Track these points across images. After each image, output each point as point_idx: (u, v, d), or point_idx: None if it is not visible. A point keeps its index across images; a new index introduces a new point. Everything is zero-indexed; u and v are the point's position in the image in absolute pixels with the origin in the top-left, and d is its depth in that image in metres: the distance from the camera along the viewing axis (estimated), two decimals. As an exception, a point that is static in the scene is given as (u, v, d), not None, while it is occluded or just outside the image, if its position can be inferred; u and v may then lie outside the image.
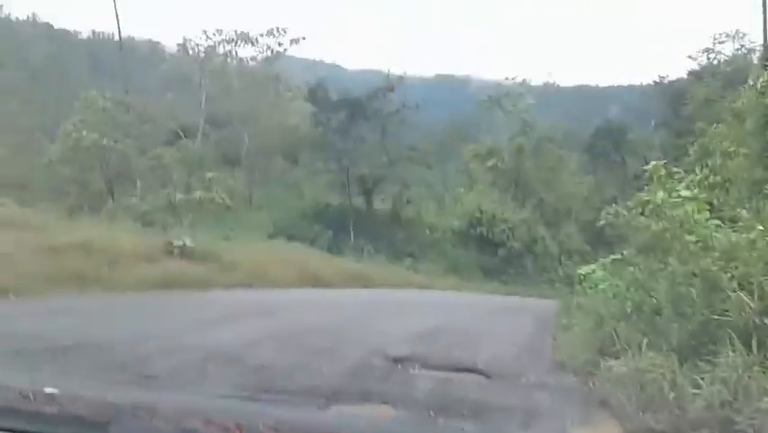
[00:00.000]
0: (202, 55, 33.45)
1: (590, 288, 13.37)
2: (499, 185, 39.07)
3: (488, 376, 7.51)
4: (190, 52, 33.63)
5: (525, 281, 33.95)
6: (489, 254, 34.73)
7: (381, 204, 37.16)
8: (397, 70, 38.50)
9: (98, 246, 14.97)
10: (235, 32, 33.34)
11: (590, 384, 7.17)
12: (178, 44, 34.16)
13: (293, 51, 36.73)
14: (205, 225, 24.43)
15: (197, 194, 24.94)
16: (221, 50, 33.55)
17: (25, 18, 67.56)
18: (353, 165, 32.96)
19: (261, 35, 33.57)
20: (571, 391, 7.01)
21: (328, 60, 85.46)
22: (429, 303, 17.26)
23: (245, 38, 33.45)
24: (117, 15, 42.57)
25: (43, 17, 69.21)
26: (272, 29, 33.72)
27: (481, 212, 35.52)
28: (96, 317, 9.28)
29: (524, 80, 45.25)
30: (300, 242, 28.57)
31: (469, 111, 51.73)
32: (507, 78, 45.08)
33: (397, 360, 7.76)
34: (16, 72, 54.80)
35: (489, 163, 37.80)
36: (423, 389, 6.41)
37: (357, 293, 18.56)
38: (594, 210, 37.81)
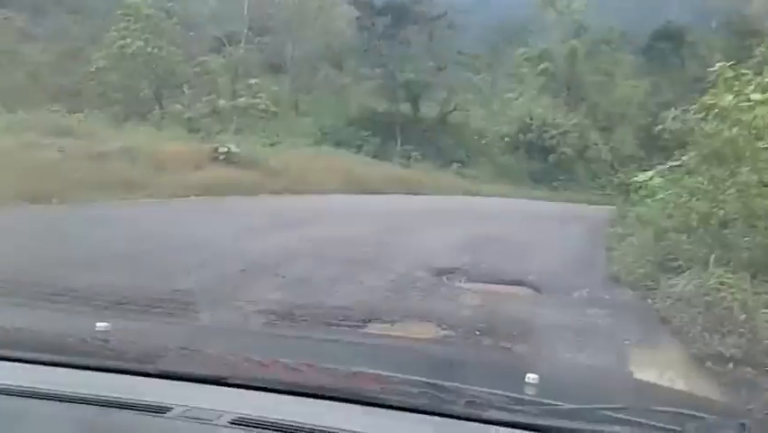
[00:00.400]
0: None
1: (647, 196, 12.61)
2: (551, 89, 37.36)
3: (538, 290, 7.07)
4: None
5: (575, 188, 32.98)
6: (539, 161, 33.68)
7: (428, 110, 36.09)
8: None
9: (144, 153, 14.86)
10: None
11: (649, 301, 6.68)
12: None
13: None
14: (251, 132, 24.14)
15: (242, 100, 24.43)
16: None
17: None
18: (399, 70, 31.77)
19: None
20: (629, 309, 6.53)
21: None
22: (477, 210, 16.71)
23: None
24: None
25: None
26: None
27: (531, 117, 34.21)
28: (133, 224, 9.08)
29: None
30: (346, 148, 28.13)
31: (519, 14, 49.19)
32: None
33: (442, 272, 7.38)
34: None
35: (541, 67, 35.99)
36: (469, 304, 6.00)
37: (403, 200, 18.14)
38: (650, 115, 36.05)
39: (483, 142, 34.82)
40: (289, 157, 19.21)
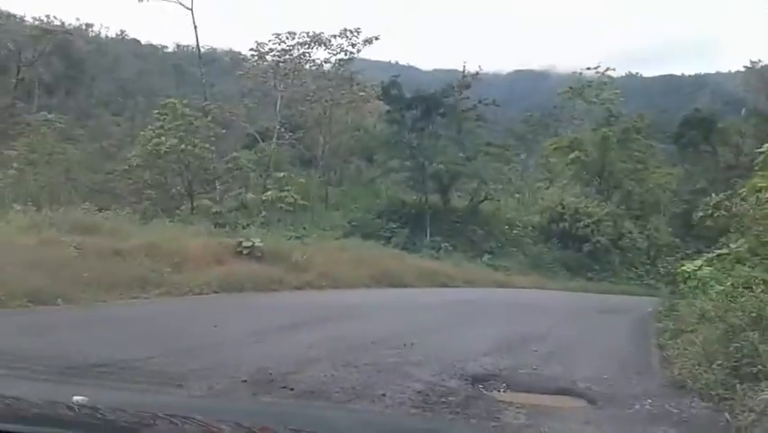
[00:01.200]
0: (276, 59, 32.65)
1: (697, 288, 11.42)
2: (582, 178, 36.68)
3: (591, 401, 5.92)
4: (265, 58, 32.92)
5: (612, 278, 31.57)
6: (573, 250, 32.48)
7: (458, 201, 35.51)
8: (472, 67, 36.55)
9: (164, 249, 14.20)
10: (308, 33, 32.33)
11: (727, 416, 5.48)
12: (251, 49, 33.42)
13: (367, 53, 35.56)
14: (278, 226, 23.59)
15: (269, 194, 24.06)
16: (294, 53, 32.62)
17: (114, 36, 69.77)
18: (429, 162, 31.41)
19: (334, 36, 32.52)
20: (704, 426, 5.34)
21: (402, 62, 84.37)
22: (511, 303, 15.56)
23: (318, 40, 32.37)
24: (196, 29, 43.03)
25: (131, 34, 70.96)
26: (345, 30, 32.59)
27: (563, 206, 33.32)
28: (133, 326, 8.23)
29: (606, 70, 42.45)
30: (375, 240, 27.38)
31: (547, 105, 49.43)
32: (588, 68, 42.41)
33: (477, 379, 6.29)
34: (107, 86, 56.70)
35: (572, 156, 35.42)
36: (513, 424, 4.89)
37: (432, 294, 17.07)
38: (684, 203, 35.07)
39: (514, 232, 33.90)
40: (315, 250, 18.42)
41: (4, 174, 22.25)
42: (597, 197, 35.02)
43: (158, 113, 28.75)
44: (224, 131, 31.65)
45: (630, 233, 33.81)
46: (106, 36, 69.13)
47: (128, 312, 9.68)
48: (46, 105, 38.96)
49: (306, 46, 32.52)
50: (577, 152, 35.50)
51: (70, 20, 62.18)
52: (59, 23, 38.95)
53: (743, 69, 51.61)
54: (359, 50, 33.71)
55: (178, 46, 70.78)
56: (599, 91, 40.80)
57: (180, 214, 23.59)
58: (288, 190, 24.44)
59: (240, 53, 40.12)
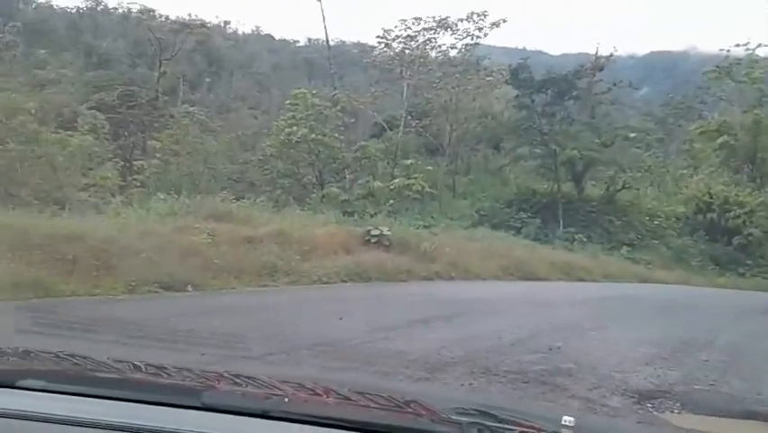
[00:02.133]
0: (402, 45, 32.05)
1: None
2: (731, 165, 33.24)
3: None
4: (391, 45, 32.40)
5: (766, 274, 28.28)
6: (722, 243, 29.45)
7: (592, 189, 33.25)
8: (605, 50, 33.98)
9: (294, 236, 13.98)
10: (433, 18, 31.37)
11: None
12: (378, 37, 32.94)
13: (493, 39, 34.04)
14: (406, 214, 22.99)
15: (396, 182, 23.51)
16: (420, 39, 31.82)
17: (250, 32, 72.44)
18: (561, 148, 29.52)
19: (461, 20, 31.34)
20: None
21: (530, 47, 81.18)
22: (661, 302, 13.95)
23: (444, 24, 31.34)
24: (324, 19, 43.59)
25: (265, 30, 73.39)
26: (471, 13, 31.32)
27: (711, 195, 30.32)
28: (258, 314, 7.81)
29: (757, 47, 38.10)
30: (504, 231, 26.14)
31: (687, 87, 45.40)
32: (737, 45, 38.25)
33: (644, 397, 5.21)
34: (244, 81, 58.92)
35: (719, 141, 32.11)
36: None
37: (570, 288, 15.73)
38: None
39: (655, 223, 31.24)
40: (443, 240, 17.62)
41: (148, 164, 23.24)
42: (749, 185, 31.57)
43: (289, 103, 29.15)
44: (352, 120, 31.63)
45: (789, 224, 30.17)
46: (243, 33, 71.94)
47: (255, 300, 9.39)
48: (189, 99, 40.87)
49: (432, 31, 31.60)
50: (725, 137, 32.16)
51: (210, 18, 65.28)
52: (199, 21, 40.39)
53: None
54: (485, 34, 32.37)
55: (309, 40, 72.29)
56: (750, 70, 36.65)
57: (310, 202, 23.64)
58: (415, 178, 23.76)
59: (367, 44, 39.94)
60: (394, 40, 32.03)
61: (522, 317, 9.21)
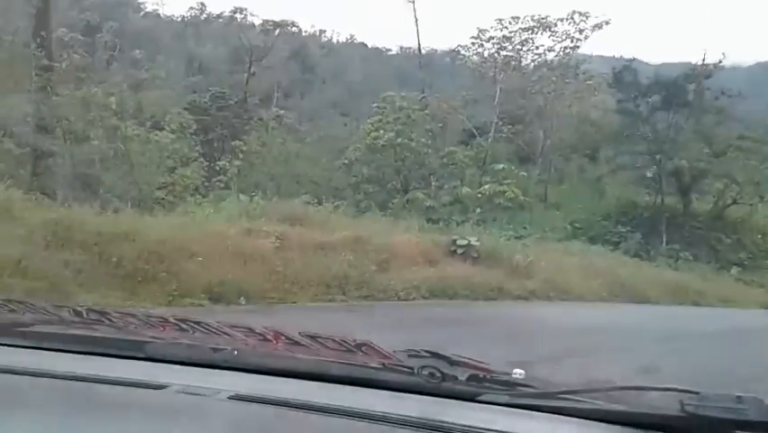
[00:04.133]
0: (496, 47, 29.86)
1: None
2: None
3: None
4: (485, 45, 30.28)
5: None
6: None
7: (698, 203, 29.82)
8: (710, 59, 30.37)
9: (372, 244, 12.24)
10: (532, 17, 29.03)
11: None
12: (472, 37, 30.89)
13: (588, 47, 31.22)
14: (494, 224, 20.82)
15: (486, 187, 21.39)
16: (516, 39, 29.54)
17: (344, 40, 72.06)
18: (667, 158, 26.45)
19: (561, 20, 28.89)
20: None
21: (627, 55, 76.46)
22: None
23: (544, 24, 28.96)
24: (417, 21, 41.97)
25: (359, 38, 72.83)
26: (573, 12, 28.79)
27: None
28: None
29: None
30: (602, 245, 23.51)
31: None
32: None
33: None
34: (337, 88, 58.30)
35: None
36: None
37: (693, 313, 13.13)
38: None
39: (769, 242, 27.57)
40: (537, 253, 15.41)
41: (230, 165, 22.36)
42: None
43: (377, 106, 27.75)
44: (440, 125, 29.81)
45: None
46: (337, 41, 71.66)
47: (315, 319, 7.63)
48: (283, 105, 40.36)
49: (530, 32, 29.26)
50: None
51: (306, 27, 65.25)
52: (290, 21, 39.73)
53: None
54: (586, 37, 29.78)
55: (401, 48, 71.01)
56: None
57: (393, 207, 21.95)
58: (507, 184, 21.55)
59: (459, 51, 37.81)
60: (488, 40, 29.93)
61: (662, 359, 6.95)
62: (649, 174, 27.86)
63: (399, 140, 25.88)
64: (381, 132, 26.19)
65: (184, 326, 1.48)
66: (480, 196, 22.03)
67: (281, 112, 32.21)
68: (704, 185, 29.12)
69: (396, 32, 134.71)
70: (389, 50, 74.34)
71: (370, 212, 20.80)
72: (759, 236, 28.40)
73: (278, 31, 36.61)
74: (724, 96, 29.57)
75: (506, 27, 29.33)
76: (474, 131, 31.05)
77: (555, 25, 29.06)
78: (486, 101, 32.24)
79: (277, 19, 37.77)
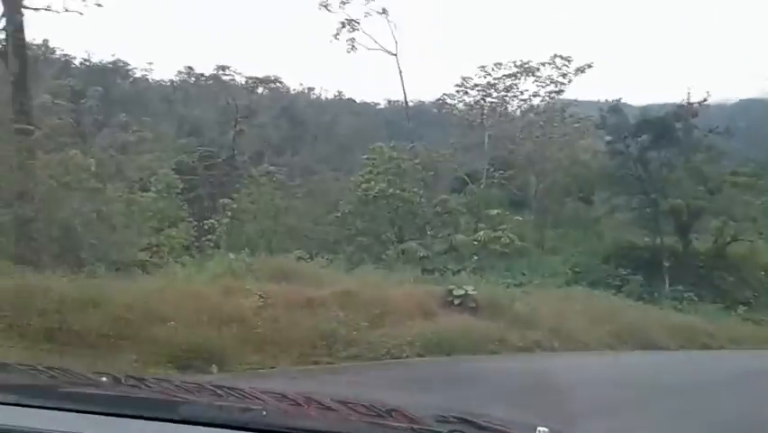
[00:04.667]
0: (481, 94, 29.75)
1: None
2: None
3: None
4: (470, 93, 30.17)
5: None
6: None
7: (698, 241, 29.14)
8: (695, 97, 30.29)
9: (363, 298, 11.49)
10: (514, 63, 29.01)
11: None
12: (457, 85, 30.83)
13: (572, 91, 30.97)
14: (492, 272, 20.07)
15: (481, 234, 20.74)
16: (500, 86, 29.45)
17: (332, 97, 72.69)
18: (662, 197, 25.93)
19: (543, 65, 28.84)
20: None
21: (612, 98, 77.14)
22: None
23: (527, 69, 28.91)
24: (401, 73, 42.03)
25: (347, 94, 73.20)
26: (554, 56, 28.81)
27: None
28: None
29: None
30: (604, 289, 22.68)
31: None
32: None
33: None
34: (327, 143, 58.31)
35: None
36: None
37: (710, 358, 12.26)
38: None
39: (776, 279, 26.81)
40: (538, 300, 14.66)
41: (219, 223, 21.75)
42: None
43: (367, 158, 27.45)
44: (431, 174, 29.45)
45: None
46: (326, 98, 72.25)
47: (296, 387, 6.82)
48: (274, 162, 40.03)
49: (513, 78, 29.18)
50: None
51: (295, 85, 65.83)
52: (280, 85, 39.84)
53: None
54: (569, 81, 29.72)
55: (389, 102, 71.62)
56: None
57: (386, 259, 21.23)
58: (503, 230, 20.91)
59: (446, 100, 37.69)
60: (473, 88, 29.84)
61: (676, 416, 6.13)
62: (644, 214, 27.34)
63: (391, 190, 25.49)
64: (372, 183, 25.86)
65: (219, 391, 1.55)
66: (475, 243, 21.37)
67: (272, 168, 31.79)
68: (702, 223, 28.55)
69: (383, 87, 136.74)
70: (378, 103, 74.92)
71: (364, 264, 20.07)
72: (762, 273, 27.69)
73: (262, 88, 36.55)
74: (711, 134, 29.41)
75: (489, 74, 29.35)
76: (466, 178, 30.67)
77: (538, 70, 29.08)
78: (475, 148, 32.00)
79: (260, 75, 37.82)
